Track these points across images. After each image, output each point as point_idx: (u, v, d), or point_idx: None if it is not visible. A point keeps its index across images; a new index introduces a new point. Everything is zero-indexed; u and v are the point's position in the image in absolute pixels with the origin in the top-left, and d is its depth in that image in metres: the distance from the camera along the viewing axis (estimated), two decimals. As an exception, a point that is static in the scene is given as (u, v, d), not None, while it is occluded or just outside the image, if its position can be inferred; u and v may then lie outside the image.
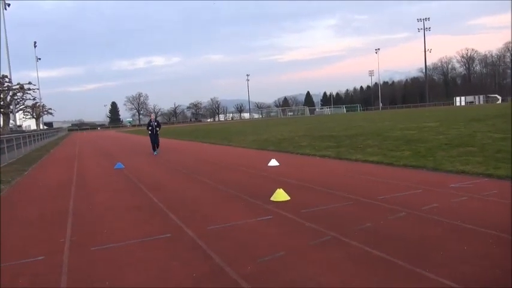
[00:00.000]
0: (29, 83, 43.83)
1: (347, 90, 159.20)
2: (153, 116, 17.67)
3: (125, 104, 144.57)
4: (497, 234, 4.18)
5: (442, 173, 8.13)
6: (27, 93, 45.91)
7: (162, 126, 19.71)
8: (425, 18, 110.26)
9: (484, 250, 3.78)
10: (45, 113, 74.19)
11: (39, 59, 68.92)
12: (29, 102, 58.51)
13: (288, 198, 6.48)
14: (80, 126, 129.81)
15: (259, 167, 10.69)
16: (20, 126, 73.68)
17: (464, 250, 3.81)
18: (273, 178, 8.74)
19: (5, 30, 40.68)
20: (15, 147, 19.59)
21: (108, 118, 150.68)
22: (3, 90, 41.28)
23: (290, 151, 14.34)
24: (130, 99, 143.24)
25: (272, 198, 6.47)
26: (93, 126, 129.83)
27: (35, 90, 47.79)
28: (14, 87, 39.49)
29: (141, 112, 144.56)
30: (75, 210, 6.63)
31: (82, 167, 13.84)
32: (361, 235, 4.41)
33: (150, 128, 16.70)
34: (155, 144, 16.60)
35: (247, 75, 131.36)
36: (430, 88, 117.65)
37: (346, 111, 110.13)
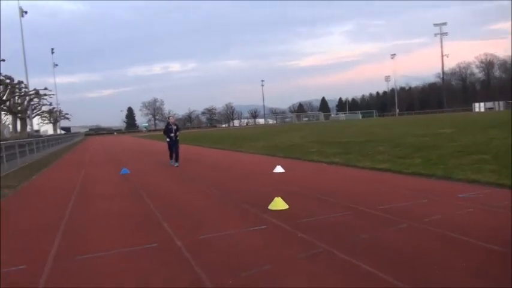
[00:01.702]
0: (45, 88, 44.76)
1: (363, 95, 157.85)
2: (171, 119, 14.35)
3: (140, 110, 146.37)
4: (500, 250, 3.88)
5: (452, 181, 7.78)
6: (43, 98, 46.77)
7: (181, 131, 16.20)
8: (442, 23, 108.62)
9: (484, 267, 3.49)
10: (62, 118, 75.60)
11: (56, 65, 70.06)
12: (46, 108, 59.59)
13: (287, 206, 6.25)
14: (96, 131, 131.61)
15: (264, 173, 10.48)
16: (37, 131, 75.30)
17: (462, 267, 3.53)
18: (276, 185, 8.52)
19: (22, 36, 41.50)
20: (27, 152, 19.83)
21: (124, 123, 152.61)
22: (20, 95, 42.19)
23: (298, 157, 14.09)
24: (146, 104, 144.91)
25: (270, 207, 6.25)
26: (109, 131, 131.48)
27: (50, 96, 48.69)
28: (30, 93, 40.23)
29: (157, 117, 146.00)
30: (70, 219, 6.52)
31: (89, 172, 13.85)
32: (354, 248, 4.16)
33: (167, 133, 13.71)
34: (175, 153, 13.66)
35: (262, 80, 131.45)
36: (448, 94, 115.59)
37: (362, 117, 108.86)
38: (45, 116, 70.51)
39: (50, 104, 56.88)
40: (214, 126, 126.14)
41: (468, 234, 4.38)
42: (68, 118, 78.91)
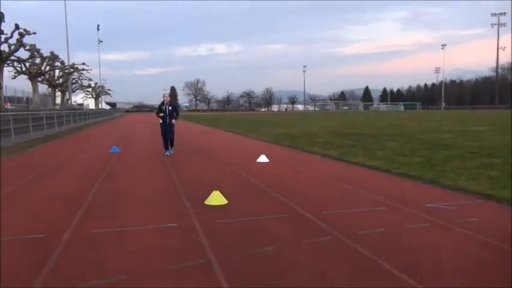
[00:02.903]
0: (83, 63, 45.90)
1: (409, 87, 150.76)
2: (166, 97, 11.47)
3: (183, 89, 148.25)
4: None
5: (437, 187, 6.77)
6: (81, 73, 48.15)
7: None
8: (501, 13, 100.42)
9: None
10: (104, 93, 78.02)
11: (101, 41, 71.99)
12: (86, 82, 61.58)
13: (225, 202, 5.62)
14: (139, 108, 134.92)
15: (247, 163, 9.80)
16: (81, 104, 78.46)
17: (346, 304, 2.76)
18: (243, 176, 7.88)
19: (66, 13, 42.55)
20: (45, 125, 20.26)
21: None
22: (62, 69, 43.67)
23: (299, 147, 13.27)
24: (188, 84, 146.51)
25: (206, 202, 5.63)
26: (151, 109, 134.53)
27: (88, 71, 50.03)
28: (67, 67, 41.46)
29: (198, 98, 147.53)
30: (7, 198, 6.25)
31: (83, 147, 13.81)
32: (243, 263, 3.47)
33: (161, 114, 11.31)
34: (168, 139, 11.46)
35: (304, 66, 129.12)
36: (503, 89, 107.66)
37: (404, 108, 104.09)
38: (88, 91, 73.04)
39: (90, 80, 58.57)
40: (253, 110, 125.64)
41: (394, 260, 3.55)
42: (109, 94, 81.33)
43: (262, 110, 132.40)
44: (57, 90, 48.57)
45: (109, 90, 79.94)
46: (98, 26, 71.24)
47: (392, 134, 17.66)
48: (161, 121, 11.37)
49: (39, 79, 38.54)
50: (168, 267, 3.39)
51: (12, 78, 36.84)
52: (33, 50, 30.81)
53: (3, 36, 25.62)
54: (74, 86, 54.25)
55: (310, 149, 12.54)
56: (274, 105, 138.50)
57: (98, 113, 51.63)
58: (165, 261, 3.52)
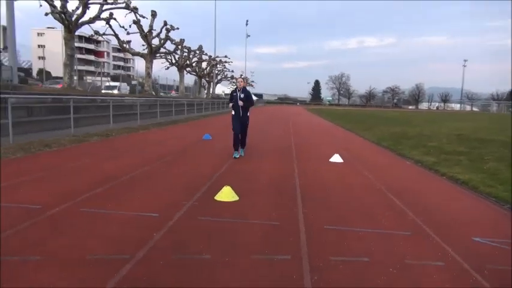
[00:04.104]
0: (225, 56, 49.49)
1: None
2: (240, 82, 9.20)
3: (326, 83, 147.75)
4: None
5: (520, 217, 5.16)
6: (223, 65, 52.02)
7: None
8: None
9: None
10: (248, 84, 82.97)
11: (249, 35, 76.65)
12: (229, 74, 66.34)
13: (236, 199, 5.31)
14: (283, 100, 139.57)
15: (317, 162, 9.09)
16: (227, 94, 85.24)
17: None
18: (291, 176, 7.32)
19: (215, 13, 46.37)
20: (173, 112, 22.49)
21: (310, 95, 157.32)
22: (209, 62, 48.12)
23: (396, 150, 11.78)
24: (332, 78, 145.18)
25: (216, 197, 5.39)
26: (294, 101, 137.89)
27: (229, 63, 53.77)
28: (213, 59, 45.30)
29: (341, 92, 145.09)
30: (67, 170, 7.10)
31: (184, 134, 14.82)
32: (162, 268, 3.17)
33: (232, 103, 8.94)
34: (240, 136, 9.25)
35: (465, 60, 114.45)
36: None
37: None
38: (234, 82, 78.79)
39: (232, 71, 63.05)
40: (399, 107, 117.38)
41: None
42: (252, 85, 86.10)
43: (410, 107, 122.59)
44: (204, 80, 53.82)
45: (252, 81, 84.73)
46: (247, 21, 75.92)
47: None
48: (233, 112, 9.12)
49: (188, 70, 43.12)
50: (86, 256, 3.31)
51: (166, 69, 42.20)
52: (178, 44, 34.48)
53: (154, 32, 29.27)
54: (218, 77, 59.12)
55: (407, 153, 11.00)
56: (423, 103, 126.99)
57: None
58: (90, 250, 3.45)
